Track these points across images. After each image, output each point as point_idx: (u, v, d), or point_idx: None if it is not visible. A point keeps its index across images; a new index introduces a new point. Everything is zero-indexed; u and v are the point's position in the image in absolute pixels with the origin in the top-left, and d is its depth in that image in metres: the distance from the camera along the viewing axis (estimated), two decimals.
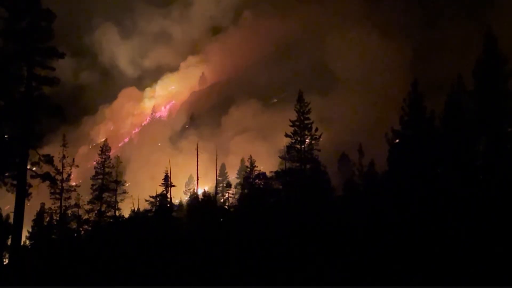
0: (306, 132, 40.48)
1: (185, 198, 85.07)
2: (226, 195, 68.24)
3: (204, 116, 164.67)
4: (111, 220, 48.73)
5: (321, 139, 40.99)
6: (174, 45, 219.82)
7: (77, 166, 48.32)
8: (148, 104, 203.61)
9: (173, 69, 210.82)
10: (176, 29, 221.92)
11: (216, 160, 66.06)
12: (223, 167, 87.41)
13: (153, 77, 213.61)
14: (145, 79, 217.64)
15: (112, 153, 51.29)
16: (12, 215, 29.32)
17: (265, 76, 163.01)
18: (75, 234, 49.21)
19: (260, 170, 48.78)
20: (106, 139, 59.84)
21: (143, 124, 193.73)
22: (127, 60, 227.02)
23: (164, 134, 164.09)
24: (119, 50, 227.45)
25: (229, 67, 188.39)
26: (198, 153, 63.15)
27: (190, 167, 73.42)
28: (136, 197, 52.55)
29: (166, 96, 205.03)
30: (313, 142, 40.66)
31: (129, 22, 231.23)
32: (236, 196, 63.09)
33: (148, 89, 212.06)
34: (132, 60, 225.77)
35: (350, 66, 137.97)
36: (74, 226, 49.35)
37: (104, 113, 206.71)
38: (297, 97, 41.22)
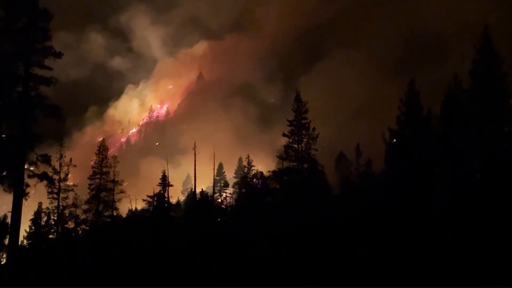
0: (304, 132, 40.50)
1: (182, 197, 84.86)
2: (224, 194, 68.24)
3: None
4: (108, 220, 48.64)
5: (318, 139, 40.97)
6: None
7: (75, 165, 48.03)
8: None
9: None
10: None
11: (214, 158, 65.94)
12: (220, 166, 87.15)
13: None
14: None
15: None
16: (9, 215, 29.28)
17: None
18: (73, 234, 49.09)
19: (257, 170, 48.85)
20: (103, 139, 59.67)
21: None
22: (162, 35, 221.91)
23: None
24: (150, 32, 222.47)
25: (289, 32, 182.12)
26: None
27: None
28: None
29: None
30: (310, 141, 40.64)
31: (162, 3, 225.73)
32: (234, 196, 63.09)
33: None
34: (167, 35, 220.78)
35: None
36: (72, 226, 49.21)
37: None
38: (294, 96, 41.24)
